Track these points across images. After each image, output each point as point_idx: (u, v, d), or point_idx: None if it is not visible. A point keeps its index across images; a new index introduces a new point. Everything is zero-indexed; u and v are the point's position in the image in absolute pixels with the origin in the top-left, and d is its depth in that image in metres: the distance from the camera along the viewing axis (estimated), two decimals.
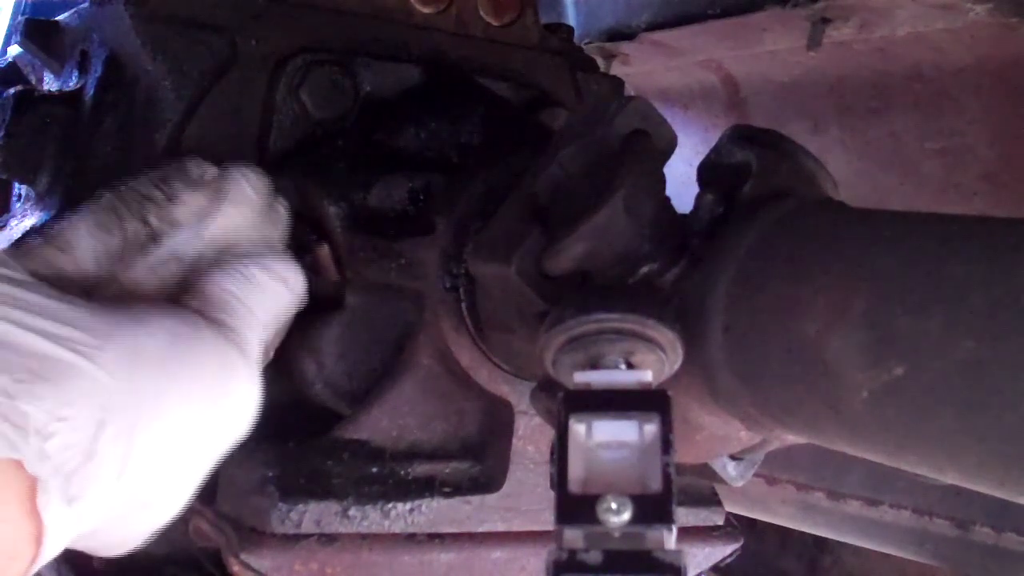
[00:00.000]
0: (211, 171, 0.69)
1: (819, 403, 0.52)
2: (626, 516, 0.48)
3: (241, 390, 0.62)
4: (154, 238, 0.65)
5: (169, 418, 0.56)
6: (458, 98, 0.90)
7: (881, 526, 1.32)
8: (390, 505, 0.75)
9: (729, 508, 0.89)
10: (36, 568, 0.53)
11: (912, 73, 1.17)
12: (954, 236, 0.50)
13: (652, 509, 0.48)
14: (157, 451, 0.56)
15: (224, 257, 0.67)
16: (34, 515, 0.51)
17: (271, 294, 0.67)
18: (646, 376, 0.55)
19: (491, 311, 0.73)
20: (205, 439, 0.60)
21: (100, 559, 0.82)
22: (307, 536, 0.72)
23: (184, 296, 0.64)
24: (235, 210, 0.69)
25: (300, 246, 0.79)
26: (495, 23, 0.97)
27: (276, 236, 0.72)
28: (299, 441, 0.77)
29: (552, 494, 0.51)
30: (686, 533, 0.84)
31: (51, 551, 0.53)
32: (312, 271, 0.78)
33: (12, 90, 0.88)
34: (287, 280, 0.68)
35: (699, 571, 0.87)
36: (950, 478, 0.49)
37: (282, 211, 0.74)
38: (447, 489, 0.77)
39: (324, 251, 0.81)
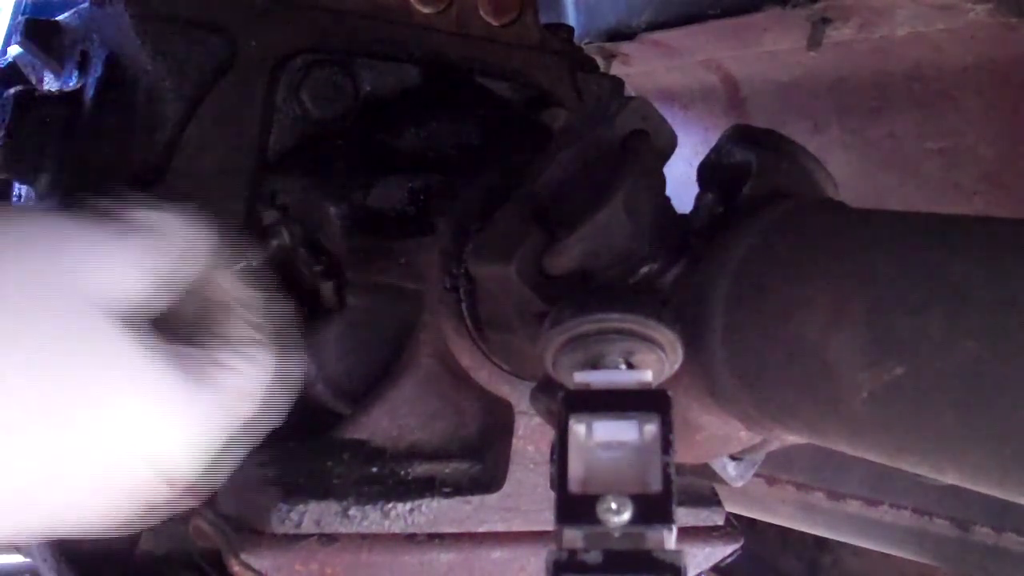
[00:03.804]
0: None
1: (819, 403, 0.52)
2: (626, 516, 0.48)
3: None
4: None
5: None
6: (458, 98, 0.90)
7: (881, 526, 1.32)
8: (390, 505, 0.75)
9: (729, 508, 0.89)
10: None
11: (912, 73, 1.17)
12: (954, 236, 0.50)
13: (652, 509, 0.48)
14: None
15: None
16: None
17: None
18: (646, 376, 0.55)
19: (491, 311, 0.73)
20: None
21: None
22: (307, 536, 0.72)
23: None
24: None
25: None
26: (495, 23, 0.97)
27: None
28: (299, 441, 0.77)
29: (552, 494, 0.51)
30: (686, 533, 0.84)
31: None
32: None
33: (12, 90, 0.88)
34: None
35: (699, 571, 0.87)
36: (950, 478, 0.49)
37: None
38: (447, 489, 0.77)
39: (328, 286, 0.79)
